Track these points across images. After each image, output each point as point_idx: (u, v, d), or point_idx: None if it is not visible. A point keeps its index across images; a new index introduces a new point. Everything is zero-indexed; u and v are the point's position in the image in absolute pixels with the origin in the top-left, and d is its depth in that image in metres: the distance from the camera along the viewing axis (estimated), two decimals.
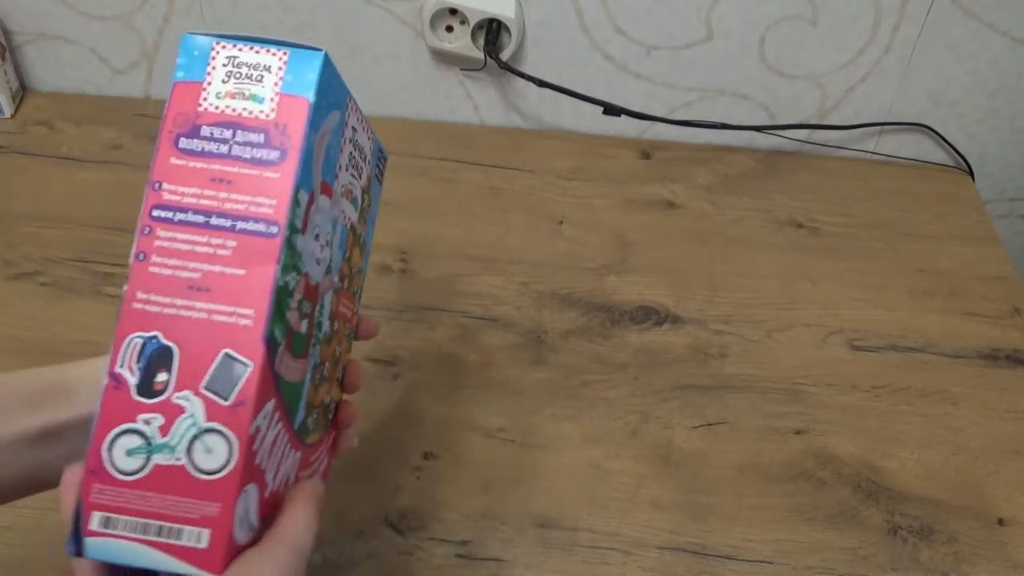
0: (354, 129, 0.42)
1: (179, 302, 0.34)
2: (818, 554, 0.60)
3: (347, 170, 0.42)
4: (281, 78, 0.36)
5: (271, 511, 0.37)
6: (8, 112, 0.89)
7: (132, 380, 0.34)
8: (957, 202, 0.87)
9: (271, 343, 0.34)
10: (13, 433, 0.38)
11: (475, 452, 0.64)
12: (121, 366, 0.34)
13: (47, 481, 0.40)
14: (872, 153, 0.91)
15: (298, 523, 0.36)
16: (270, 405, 0.35)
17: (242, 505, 0.34)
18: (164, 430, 0.33)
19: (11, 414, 0.38)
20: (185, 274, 0.34)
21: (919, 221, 0.85)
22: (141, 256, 0.34)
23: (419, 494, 0.61)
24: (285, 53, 0.36)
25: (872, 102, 0.87)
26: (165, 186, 0.35)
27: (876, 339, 0.74)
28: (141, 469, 0.33)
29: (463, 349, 0.71)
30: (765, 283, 0.78)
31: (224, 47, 0.36)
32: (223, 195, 0.35)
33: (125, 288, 0.34)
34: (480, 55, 0.84)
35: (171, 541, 0.33)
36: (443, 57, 0.87)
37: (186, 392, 0.34)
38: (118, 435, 0.33)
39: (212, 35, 0.36)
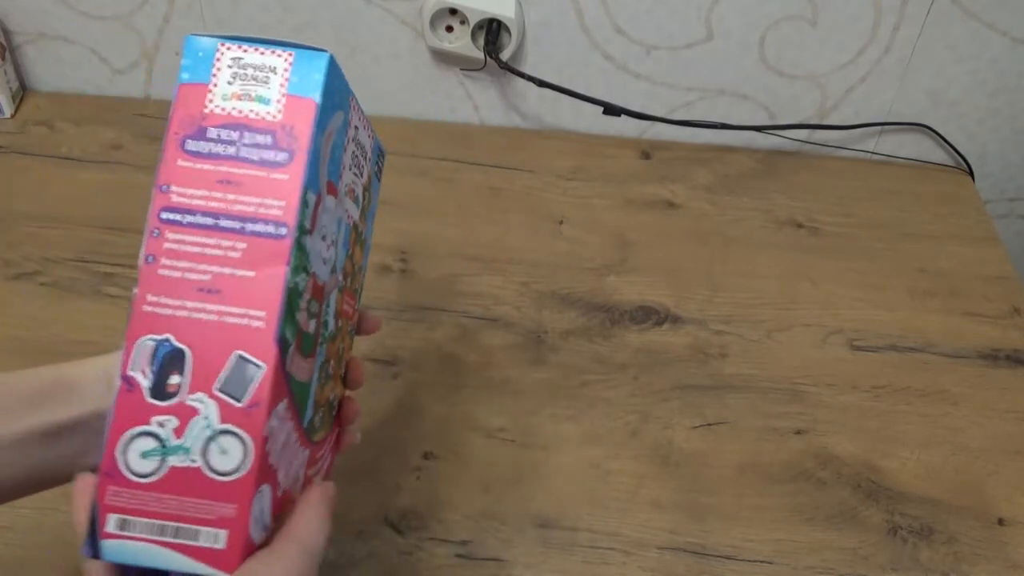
0: (356, 128, 0.42)
1: (190, 304, 0.34)
2: (818, 554, 0.60)
3: (350, 169, 0.42)
4: (287, 79, 0.36)
5: (282, 510, 0.37)
6: (8, 112, 0.89)
7: (145, 383, 0.34)
8: (957, 202, 0.87)
9: (283, 344, 0.34)
10: (14, 433, 0.38)
11: (475, 452, 0.64)
12: (133, 369, 0.34)
13: (48, 481, 0.40)
14: (872, 153, 0.91)
15: (311, 523, 0.37)
16: (282, 405, 0.35)
17: (257, 505, 0.34)
18: (179, 432, 0.33)
19: (12, 414, 0.38)
20: (195, 276, 0.34)
21: (919, 221, 0.85)
22: (150, 259, 0.34)
23: (419, 494, 0.61)
24: (290, 54, 0.36)
25: (872, 102, 0.87)
26: (173, 188, 0.35)
27: (876, 339, 0.74)
28: (156, 471, 0.33)
29: (463, 349, 0.71)
30: (765, 283, 0.78)
31: (229, 48, 0.36)
32: (231, 197, 0.35)
33: (135, 291, 0.34)
34: (480, 55, 0.84)
35: (188, 542, 0.33)
36: (443, 57, 0.87)
37: (200, 394, 0.34)
38: (132, 438, 0.33)
39: (215, 36, 0.36)
